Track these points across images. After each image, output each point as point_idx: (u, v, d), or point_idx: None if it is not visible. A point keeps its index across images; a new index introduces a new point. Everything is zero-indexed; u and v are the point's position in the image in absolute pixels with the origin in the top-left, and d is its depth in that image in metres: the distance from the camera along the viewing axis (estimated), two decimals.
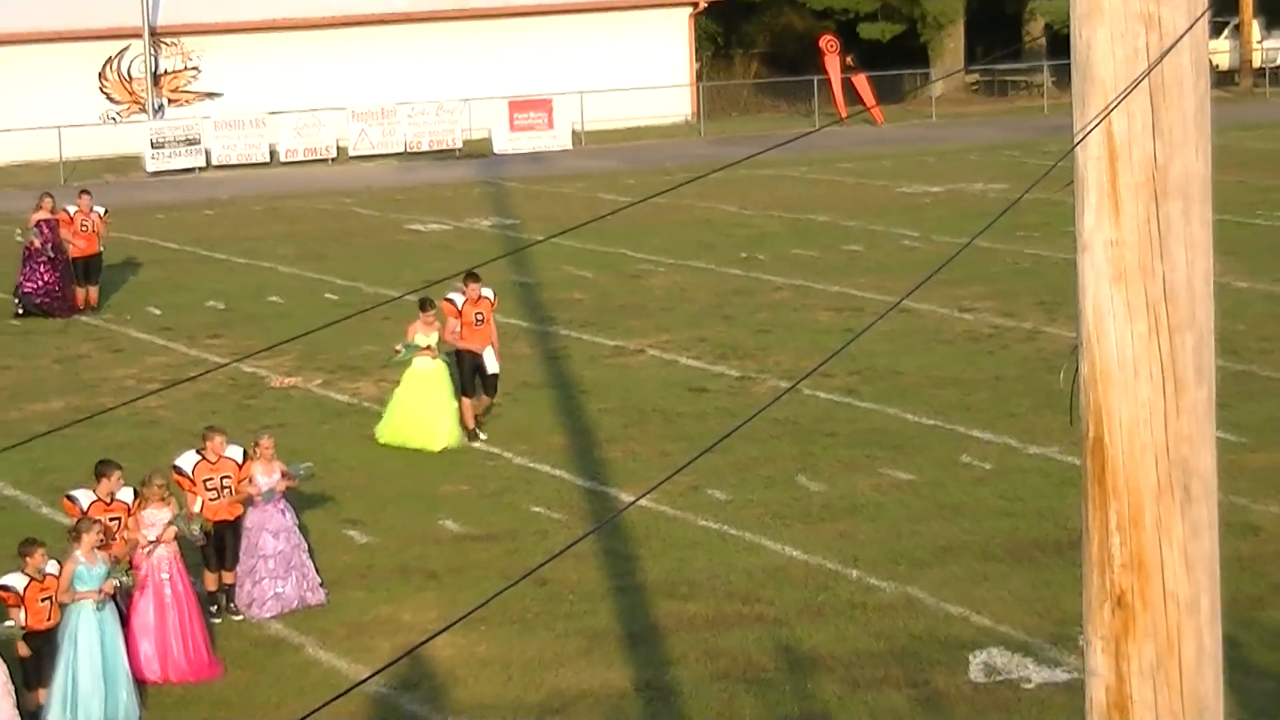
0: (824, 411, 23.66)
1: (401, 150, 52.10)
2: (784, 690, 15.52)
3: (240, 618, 17.72)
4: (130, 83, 54.22)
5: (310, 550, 18.17)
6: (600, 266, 34.05)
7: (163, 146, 50.57)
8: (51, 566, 15.56)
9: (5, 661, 15.09)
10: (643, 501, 19.04)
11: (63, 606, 15.60)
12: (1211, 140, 5.58)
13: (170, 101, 54.59)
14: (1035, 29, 63.29)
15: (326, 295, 32.39)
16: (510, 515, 20.22)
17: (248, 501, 17.80)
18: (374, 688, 15.62)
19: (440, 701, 15.66)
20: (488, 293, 23.30)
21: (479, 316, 23.08)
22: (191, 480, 17.57)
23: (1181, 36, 5.43)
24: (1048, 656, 15.80)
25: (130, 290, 33.63)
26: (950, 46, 62.89)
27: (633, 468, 21.60)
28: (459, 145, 52.42)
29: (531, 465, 22.03)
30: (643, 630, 16.88)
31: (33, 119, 50.63)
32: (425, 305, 22.77)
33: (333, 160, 51.63)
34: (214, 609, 17.66)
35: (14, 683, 15.20)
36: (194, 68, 54.85)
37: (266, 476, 17.82)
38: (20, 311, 31.39)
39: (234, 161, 51.03)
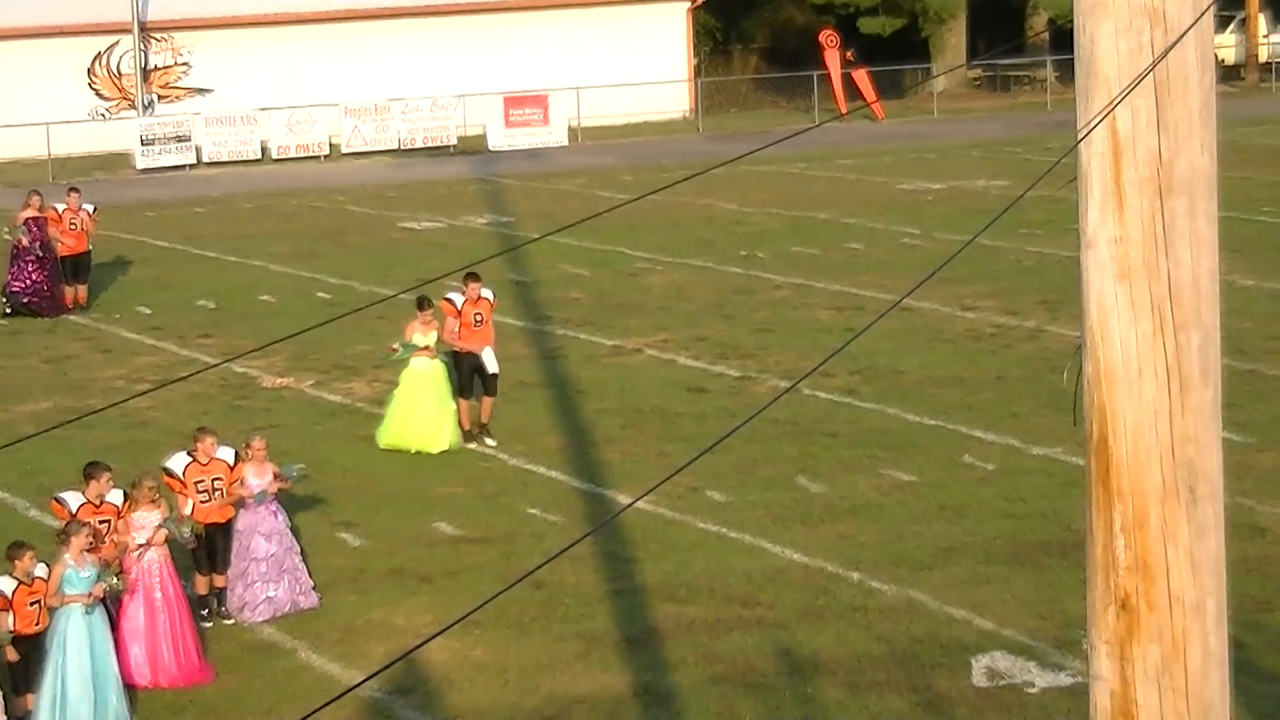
0: (824, 412, 23.53)
1: (395, 147, 52.00)
2: (784, 694, 15.46)
3: (232, 622, 17.63)
4: (120, 79, 54.08)
5: (303, 553, 18.09)
6: (597, 265, 33.93)
7: (152, 143, 50.44)
8: (40, 570, 15.48)
9: None
10: (641, 503, 18.96)
11: (51, 610, 15.52)
12: (1217, 136, 5.54)
13: (160, 98, 54.44)
14: (1038, 23, 63.20)
15: (319, 294, 32.27)
16: (506, 517, 20.10)
17: (239, 504, 17.73)
18: (368, 692, 15.54)
19: (435, 706, 15.59)
20: (487, 293, 23.14)
21: (478, 317, 22.91)
22: (182, 482, 17.51)
23: (1186, 31, 5.41)
24: (1051, 660, 15.71)
25: (120, 289, 33.50)
26: (952, 41, 62.81)
27: (631, 469, 21.48)
28: (453, 142, 52.31)
29: (528, 466, 21.90)
30: (641, 634, 16.80)
31: (21, 115, 50.51)
32: (423, 304, 22.60)
33: (325, 157, 51.54)
34: (205, 613, 17.57)
35: (2, 688, 15.10)
36: (184, 63, 54.72)
37: (258, 478, 17.73)
38: (8, 311, 31.28)
39: (225, 158, 50.92)
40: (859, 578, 17.86)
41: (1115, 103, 5.43)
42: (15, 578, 15.36)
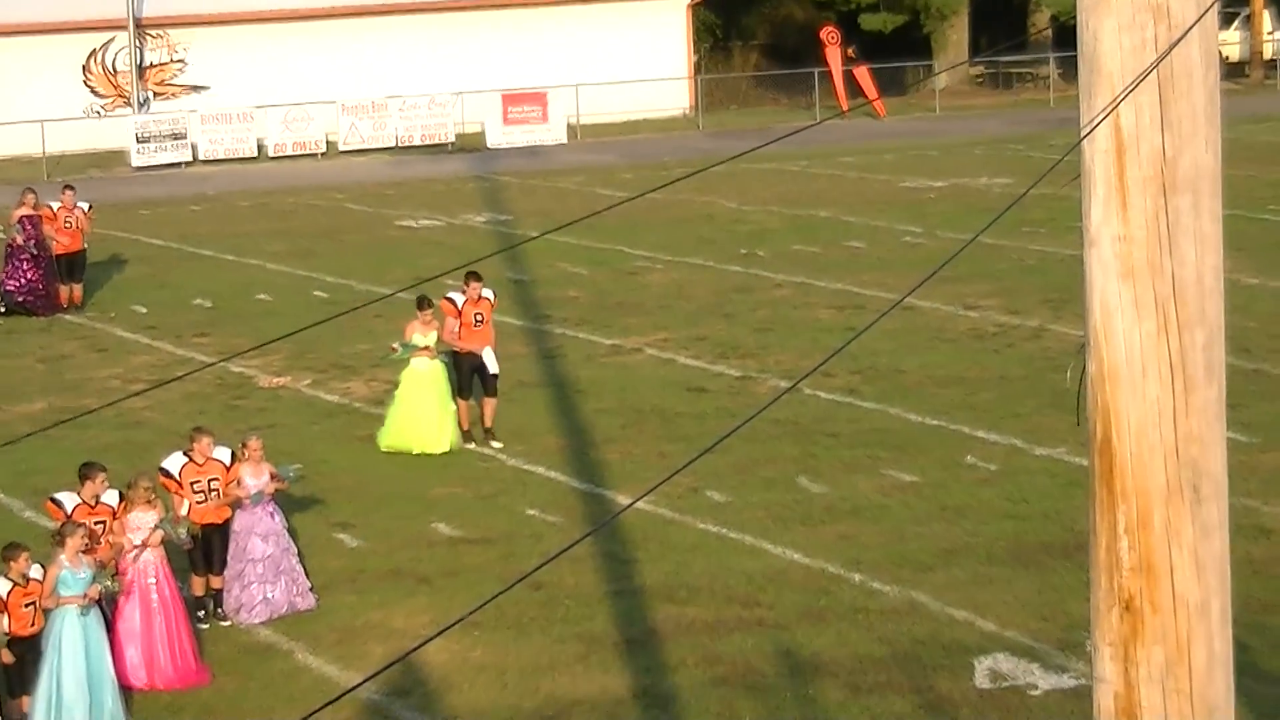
0: (825, 411, 23.46)
1: (393, 144, 51.94)
2: (784, 696, 15.42)
3: (228, 623, 17.59)
4: (115, 76, 54.02)
5: (300, 554, 18.04)
6: (596, 263, 33.87)
7: (148, 141, 50.40)
8: (35, 571, 15.47)
9: None
10: (640, 504, 18.91)
11: (47, 612, 15.49)
12: (1221, 133, 5.50)
13: (156, 95, 54.36)
14: (1041, 20, 63.14)
15: (316, 293, 32.20)
16: (505, 518, 20.05)
17: (236, 504, 17.67)
18: (366, 694, 15.51)
19: (434, 708, 15.57)
20: (488, 293, 23.06)
21: (478, 317, 22.82)
22: (178, 483, 17.46)
23: (1191, 27, 5.39)
24: (1054, 662, 15.67)
25: (115, 288, 33.43)
26: (954, 38, 62.77)
27: (630, 469, 21.42)
28: (451, 139, 52.24)
29: (526, 467, 21.83)
30: (640, 635, 16.76)
31: (15, 113, 50.50)
32: (423, 304, 22.51)
33: (322, 155, 51.48)
34: (201, 614, 17.53)
35: None
36: (180, 60, 54.64)
37: (255, 478, 17.67)
38: (2, 310, 31.22)
39: (221, 156, 50.85)
40: (860, 579, 17.80)
41: (1119, 100, 5.39)
42: (10, 579, 15.36)
